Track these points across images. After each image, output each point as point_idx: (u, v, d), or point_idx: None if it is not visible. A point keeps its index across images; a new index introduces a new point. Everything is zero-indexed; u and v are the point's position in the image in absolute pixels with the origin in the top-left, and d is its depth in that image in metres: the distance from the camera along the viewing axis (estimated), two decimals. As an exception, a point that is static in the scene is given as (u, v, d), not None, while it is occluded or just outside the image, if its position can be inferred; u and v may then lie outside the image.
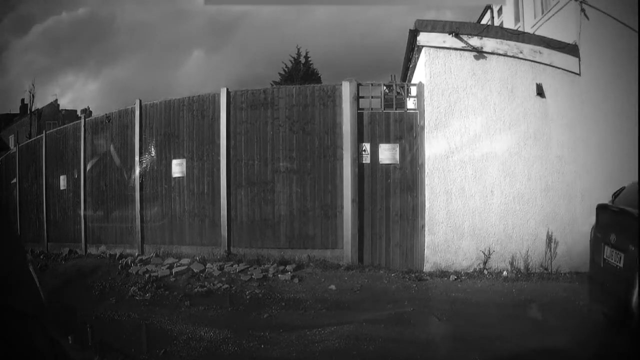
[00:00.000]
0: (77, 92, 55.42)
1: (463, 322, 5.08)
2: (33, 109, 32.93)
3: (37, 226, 11.21)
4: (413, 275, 6.79)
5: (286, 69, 26.11)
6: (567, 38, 7.27)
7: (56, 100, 36.72)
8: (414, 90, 7.53)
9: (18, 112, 35.84)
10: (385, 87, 7.72)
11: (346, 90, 7.51)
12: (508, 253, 6.97)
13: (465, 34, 7.20)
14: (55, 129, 11.61)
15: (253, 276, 6.86)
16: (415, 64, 8.22)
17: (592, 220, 7.00)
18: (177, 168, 8.38)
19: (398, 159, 7.37)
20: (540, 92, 7.14)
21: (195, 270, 7.19)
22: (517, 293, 6.11)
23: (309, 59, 26.46)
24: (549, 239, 6.98)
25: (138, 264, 7.79)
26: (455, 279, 6.70)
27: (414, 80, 8.39)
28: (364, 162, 7.43)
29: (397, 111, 7.50)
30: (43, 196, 11.00)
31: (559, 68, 7.15)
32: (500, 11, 13.20)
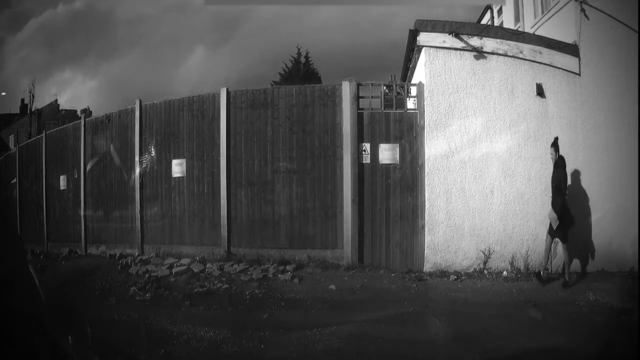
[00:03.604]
0: (76, 89, 55.45)
1: (463, 322, 5.08)
2: (33, 109, 32.96)
3: (37, 226, 11.21)
4: (413, 275, 6.79)
5: (286, 69, 26.10)
6: (567, 38, 7.27)
7: (56, 100, 36.75)
8: (414, 90, 7.53)
9: (18, 112, 35.85)
10: (385, 87, 7.72)
11: (346, 90, 7.51)
12: (508, 253, 6.97)
13: (465, 34, 7.19)
14: (55, 129, 11.61)
15: (253, 276, 6.86)
16: (415, 64, 8.22)
17: (592, 219, 7.04)
18: (177, 168, 8.38)
19: (398, 159, 7.37)
20: (540, 92, 7.14)
21: (195, 270, 7.19)
22: (517, 293, 6.11)
23: (309, 59, 26.48)
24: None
25: (138, 264, 7.79)
26: (455, 279, 6.70)
27: (414, 80, 8.39)
28: (364, 162, 7.43)
29: (397, 111, 7.49)
30: (43, 196, 11.00)
31: (559, 68, 7.15)
32: (500, 11, 13.19)
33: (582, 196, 7.02)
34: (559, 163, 6.56)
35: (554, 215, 6.36)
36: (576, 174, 7.06)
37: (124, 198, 9.11)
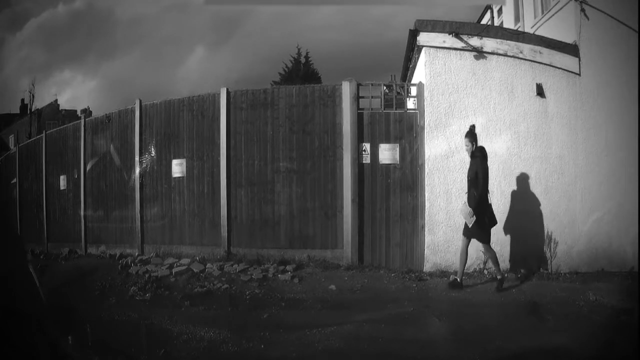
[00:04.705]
0: (76, 89, 55.57)
1: (463, 322, 5.08)
2: (33, 109, 32.99)
3: (37, 226, 11.21)
4: (413, 275, 6.79)
5: (286, 69, 26.14)
6: (567, 38, 7.27)
7: (56, 100, 36.84)
8: (414, 90, 7.53)
9: (18, 112, 35.89)
10: (385, 87, 7.72)
11: (346, 90, 7.51)
12: (508, 253, 6.96)
13: (465, 34, 7.19)
14: (55, 129, 11.60)
15: (253, 276, 6.86)
16: (415, 64, 8.22)
17: (592, 219, 7.05)
18: (177, 168, 8.38)
19: (398, 159, 7.37)
20: (540, 92, 7.14)
21: (195, 270, 7.19)
22: (517, 293, 6.11)
23: (309, 59, 26.53)
24: (549, 239, 6.98)
25: (138, 264, 7.79)
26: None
27: (414, 80, 8.39)
28: (364, 162, 7.43)
29: (397, 111, 7.49)
30: (43, 196, 11.00)
31: (559, 68, 7.15)
32: (500, 11, 13.19)
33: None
34: (476, 154, 6.26)
35: (467, 209, 6.08)
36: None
37: (124, 198, 9.11)
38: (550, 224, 7.01)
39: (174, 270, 7.22)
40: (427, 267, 7.07)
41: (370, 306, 5.63)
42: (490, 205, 6.28)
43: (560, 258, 6.95)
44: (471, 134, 6.36)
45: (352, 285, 6.52)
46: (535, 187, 7.08)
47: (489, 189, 6.33)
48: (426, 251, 7.12)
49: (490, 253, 6.28)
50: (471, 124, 6.54)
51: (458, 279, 6.28)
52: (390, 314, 5.26)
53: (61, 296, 6.16)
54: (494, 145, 7.12)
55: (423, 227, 7.16)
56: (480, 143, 7.14)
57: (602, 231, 6.95)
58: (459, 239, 7.00)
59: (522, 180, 7.09)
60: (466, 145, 6.41)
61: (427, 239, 7.11)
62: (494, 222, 6.27)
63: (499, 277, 6.27)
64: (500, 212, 7.06)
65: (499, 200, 7.09)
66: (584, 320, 5.04)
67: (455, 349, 4.36)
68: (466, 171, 7.08)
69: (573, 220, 7.05)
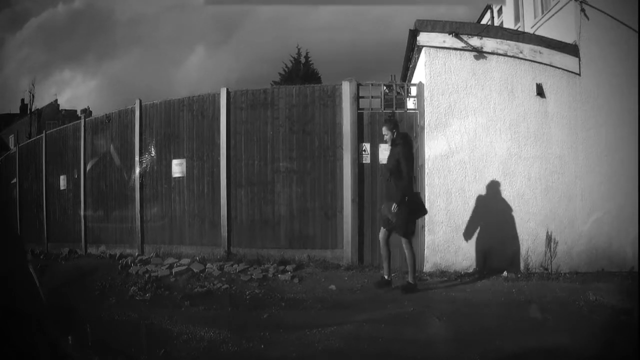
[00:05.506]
0: (76, 89, 55.63)
1: (463, 322, 5.08)
2: (33, 109, 33.03)
3: (37, 226, 11.21)
4: (413, 275, 6.77)
5: (286, 69, 26.17)
6: (567, 38, 7.27)
7: (56, 100, 36.90)
8: (414, 90, 7.53)
9: (18, 112, 35.92)
10: (385, 87, 7.72)
11: (346, 90, 7.50)
12: (508, 253, 6.96)
13: (465, 34, 7.19)
14: (55, 129, 11.61)
15: (253, 276, 6.86)
16: (415, 64, 8.22)
17: (592, 219, 7.05)
18: (177, 168, 8.38)
19: (398, 159, 7.36)
20: (540, 92, 7.13)
21: (195, 270, 7.19)
22: (517, 293, 6.10)
23: (309, 59, 26.55)
24: (549, 239, 6.97)
25: (138, 264, 7.79)
26: (455, 278, 6.69)
27: (414, 80, 8.39)
28: (364, 162, 7.43)
29: (397, 111, 7.49)
30: (43, 196, 11.01)
31: (559, 68, 7.15)
32: (500, 11, 13.19)
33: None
34: (398, 142, 5.94)
35: (390, 205, 5.79)
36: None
37: (124, 198, 9.11)
38: (550, 224, 7.00)
39: (174, 270, 7.22)
40: (427, 267, 7.06)
41: (370, 306, 5.62)
42: (417, 194, 6.14)
43: (560, 258, 6.94)
44: (390, 121, 6.14)
45: (352, 285, 6.52)
46: (535, 187, 7.08)
47: (413, 175, 6.08)
48: (426, 251, 7.12)
49: (409, 252, 5.95)
50: (390, 112, 6.42)
51: (386, 277, 6.14)
52: (390, 314, 5.25)
53: (61, 296, 6.16)
54: (494, 145, 7.13)
55: (423, 227, 7.15)
56: (480, 143, 7.15)
57: (602, 231, 6.95)
58: (459, 238, 7.04)
59: (519, 179, 7.09)
60: (385, 134, 6.14)
61: (427, 239, 7.11)
62: (422, 211, 6.11)
63: (410, 280, 6.02)
64: (500, 212, 7.08)
65: (499, 201, 7.09)
66: (584, 320, 5.04)
67: (456, 349, 4.35)
68: (466, 171, 7.10)
69: (573, 220, 7.04)
